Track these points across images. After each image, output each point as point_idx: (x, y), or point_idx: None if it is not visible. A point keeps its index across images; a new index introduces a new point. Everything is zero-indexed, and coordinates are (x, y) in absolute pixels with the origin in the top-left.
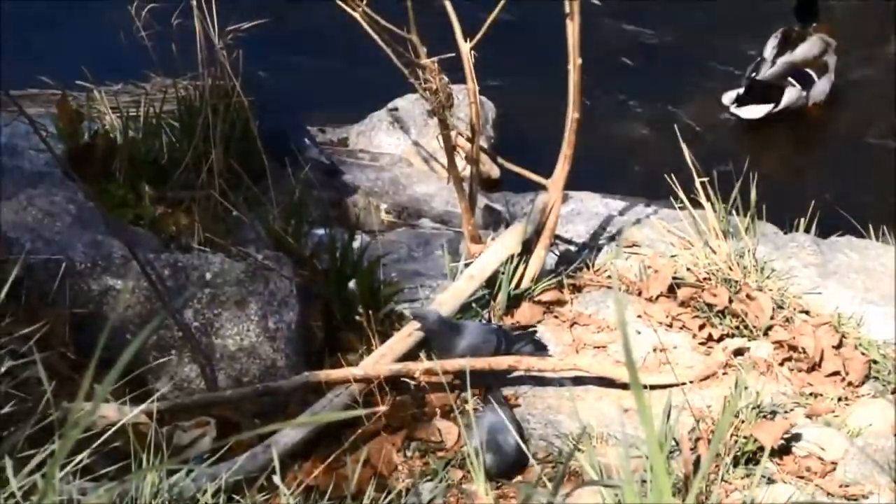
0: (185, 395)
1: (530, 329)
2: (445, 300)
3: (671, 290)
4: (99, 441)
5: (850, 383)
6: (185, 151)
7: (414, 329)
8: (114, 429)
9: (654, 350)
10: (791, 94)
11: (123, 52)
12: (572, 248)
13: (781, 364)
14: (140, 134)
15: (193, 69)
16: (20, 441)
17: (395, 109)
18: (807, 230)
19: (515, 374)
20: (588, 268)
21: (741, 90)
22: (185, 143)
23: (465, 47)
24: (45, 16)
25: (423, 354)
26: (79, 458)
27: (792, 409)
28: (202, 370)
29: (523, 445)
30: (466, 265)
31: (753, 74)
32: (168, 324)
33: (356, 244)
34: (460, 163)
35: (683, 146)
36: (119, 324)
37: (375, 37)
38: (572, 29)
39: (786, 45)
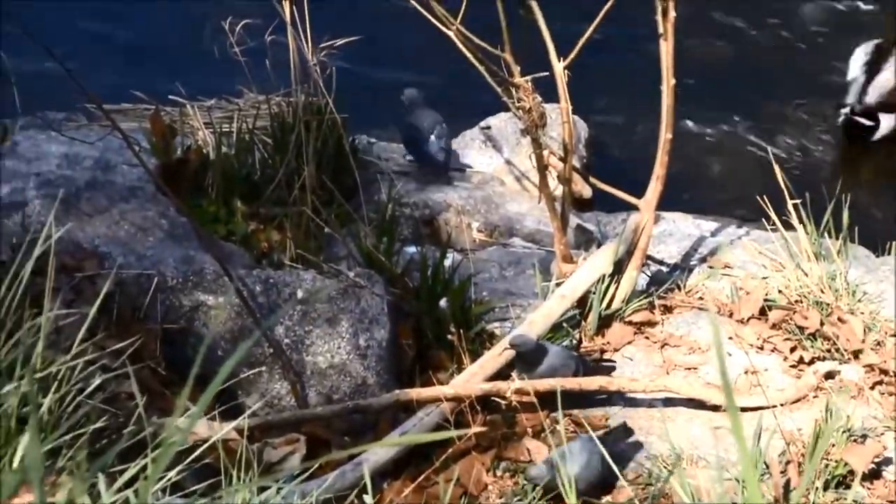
0: (275, 411)
1: (609, 362)
2: (536, 320)
3: (762, 313)
4: (190, 457)
5: None
6: (277, 167)
7: (505, 349)
8: (205, 445)
9: (746, 372)
10: (888, 122)
11: (217, 67)
12: (664, 268)
13: (872, 388)
14: (233, 150)
15: (287, 85)
16: (113, 457)
17: (488, 128)
18: None
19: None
20: (679, 289)
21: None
22: (277, 159)
23: (559, 66)
24: (138, 32)
25: (514, 374)
26: (170, 474)
27: (883, 433)
28: (293, 387)
29: (614, 466)
30: (558, 285)
31: (848, 103)
32: (259, 339)
33: (448, 262)
34: (552, 182)
35: (776, 168)
36: (210, 340)
37: (469, 55)
38: (666, 49)
39: (879, 61)
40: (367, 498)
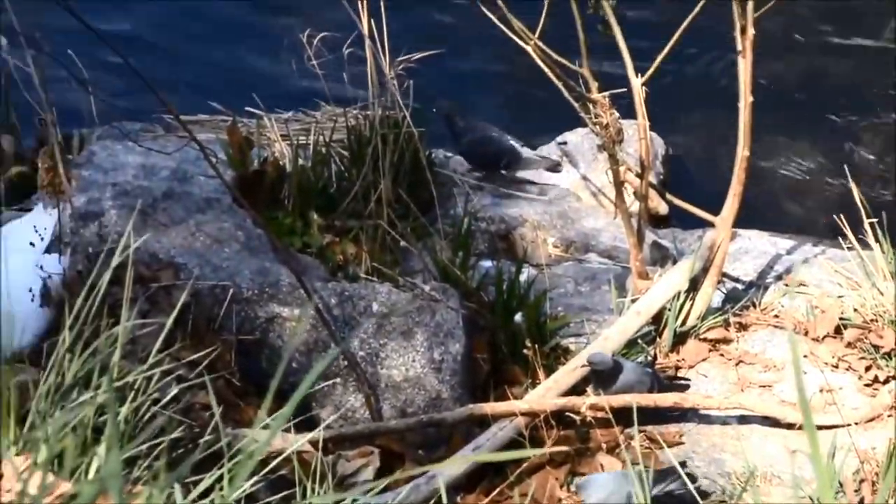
0: (349, 424)
1: (683, 380)
2: (611, 336)
3: (838, 331)
4: (265, 469)
5: None
6: (353, 180)
7: (580, 366)
8: (281, 457)
9: (821, 390)
10: None
11: (295, 80)
12: (739, 286)
13: None
14: (309, 162)
15: (364, 98)
16: (189, 467)
17: (565, 143)
18: None
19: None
20: (754, 306)
21: None
22: (353, 172)
23: (637, 82)
24: (216, 42)
25: (589, 389)
26: (245, 485)
27: None
28: (367, 400)
29: (690, 485)
30: (633, 301)
31: None
32: (335, 353)
33: (523, 277)
34: (629, 198)
35: (853, 186)
36: (285, 352)
37: (547, 70)
38: (744, 66)
39: None
40: None
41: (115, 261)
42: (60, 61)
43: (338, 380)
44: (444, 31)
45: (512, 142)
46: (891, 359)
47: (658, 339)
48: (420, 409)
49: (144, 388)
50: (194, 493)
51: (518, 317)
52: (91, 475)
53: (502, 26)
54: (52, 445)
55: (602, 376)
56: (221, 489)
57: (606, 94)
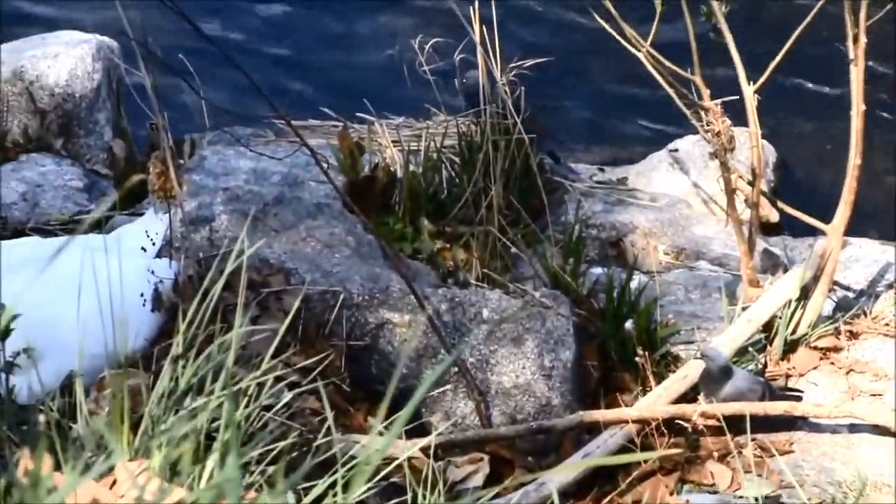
0: (459, 430)
1: (794, 389)
2: (722, 343)
3: None
4: (377, 476)
5: None
6: (464, 186)
7: (691, 370)
8: (394, 464)
9: None
10: None
11: (406, 86)
12: (850, 294)
13: None
14: (420, 168)
15: (475, 104)
16: (302, 473)
17: (676, 150)
18: None
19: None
20: (865, 315)
21: None
22: (464, 178)
23: (749, 90)
24: (327, 48)
25: (701, 397)
26: (357, 492)
27: None
28: (477, 406)
29: (801, 491)
30: (743, 309)
31: None
32: (443, 358)
33: (633, 284)
34: (740, 206)
35: None
36: (395, 358)
37: (659, 77)
38: (856, 74)
39: None
40: None
41: (228, 266)
42: (172, 67)
43: (448, 386)
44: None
45: None
46: None
47: (768, 348)
48: (530, 415)
49: (257, 394)
50: (307, 500)
51: (628, 324)
52: (204, 482)
53: (614, 33)
54: (168, 451)
55: (712, 377)
56: (335, 495)
57: (718, 101)
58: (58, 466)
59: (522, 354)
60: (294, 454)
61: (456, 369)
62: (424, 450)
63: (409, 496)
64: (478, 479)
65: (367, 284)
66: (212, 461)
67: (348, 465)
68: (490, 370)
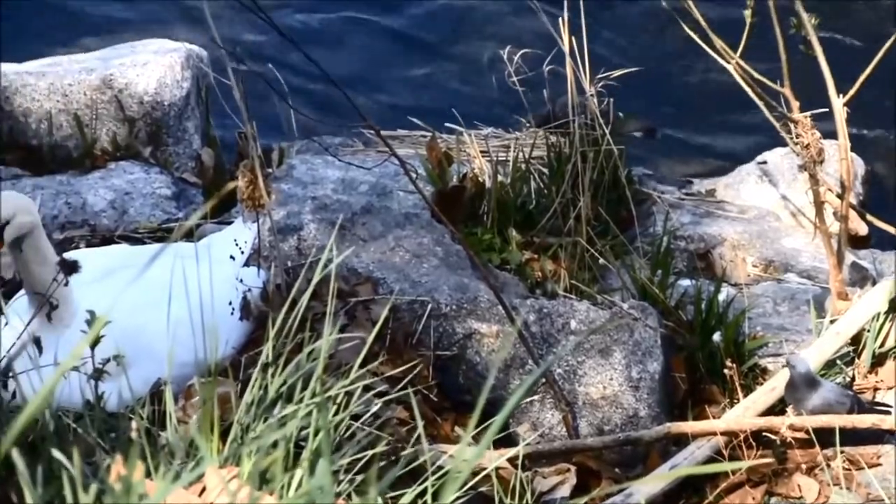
0: (545, 441)
1: (885, 405)
2: (810, 356)
3: None
4: (465, 486)
5: None
6: (553, 197)
7: (779, 383)
8: (482, 475)
9: None
10: None
11: (494, 96)
12: None
13: None
14: (508, 178)
15: (564, 115)
16: (391, 481)
17: (764, 163)
18: None
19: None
20: None
21: None
22: (553, 189)
23: (838, 102)
24: (414, 58)
25: (790, 410)
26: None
27: None
28: (564, 417)
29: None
30: (832, 322)
31: None
32: (531, 368)
33: (722, 296)
34: (829, 218)
35: None
36: (483, 368)
37: (748, 89)
38: None
39: None
40: None
41: (316, 276)
42: (261, 75)
43: (535, 396)
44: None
45: None
46: None
47: (856, 361)
48: (617, 426)
49: (346, 402)
50: None
51: (716, 336)
52: (293, 490)
53: (704, 45)
54: (258, 459)
55: (797, 386)
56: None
57: (808, 114)
58: (147, 474)
59: (610, 366)
60: (382, 463)
61: (543, 380)
62: (511, 460)
63: None
64: (565, 490)
65: (455, 294)
66: (300, 470)
67: (437, 475)
68: (577, 381)
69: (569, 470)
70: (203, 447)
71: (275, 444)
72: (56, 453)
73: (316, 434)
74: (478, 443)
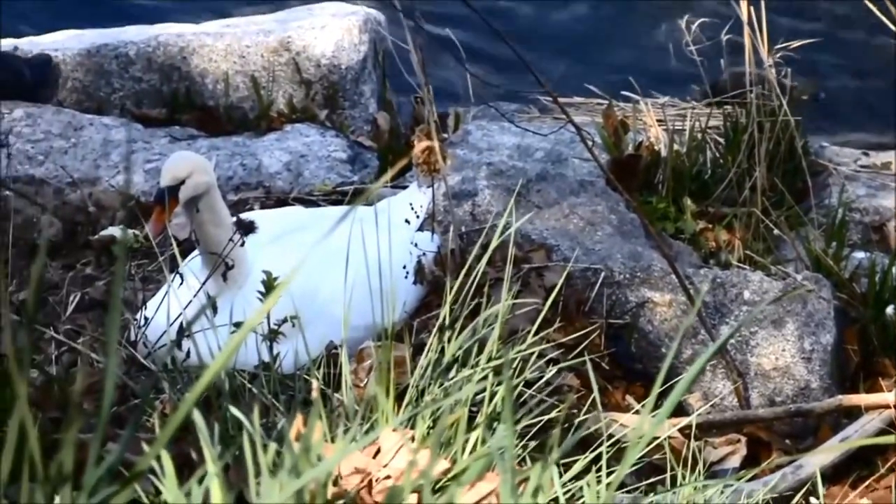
0: (716, 411)
1: None
2: None
3: None
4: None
5: None
6: (728, 167)
7: None
8: (654, 444)
9: None
10: None
11: (671, 65)
12: None
13: None
14: (684, 148)
15: (740, 85)
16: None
17: None
18: None
19: None
20: None
21: None
22: (728, 159)
23: None
24: (594, 25)
25: None
26: (626, 470)
27: None
28: (736, 388)
29: None
30: None
31: None
32: (703, 338)
33: None
34: None
35: None
36: (655, 337)
37: None
38: None
39: None
40: (814, 500)
41: (494, 241)
42: (438, 39)
43: (706, 366)
44: (827, 18)
45: None
46: None
47: None
48: (788, 398)
49: (520, 368)
50: (567, 476)
51: (889, 309)
52: (466, 454)
53: (881, 15)
54: (440, 421)
55: None
56: (598, 472)
57: None
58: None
59: (782, 337)
60: (554, 430)
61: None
62: (681, 430)
63: (668, 475)
64: (735, 461)
65: (628, 263)
66: (474, 434)
67: (608, 443)
68: (749, 352)
69: (739, 440)
70: (380, 408)
71: (450, 408)
72: (236, 412)
73: (491, 399)
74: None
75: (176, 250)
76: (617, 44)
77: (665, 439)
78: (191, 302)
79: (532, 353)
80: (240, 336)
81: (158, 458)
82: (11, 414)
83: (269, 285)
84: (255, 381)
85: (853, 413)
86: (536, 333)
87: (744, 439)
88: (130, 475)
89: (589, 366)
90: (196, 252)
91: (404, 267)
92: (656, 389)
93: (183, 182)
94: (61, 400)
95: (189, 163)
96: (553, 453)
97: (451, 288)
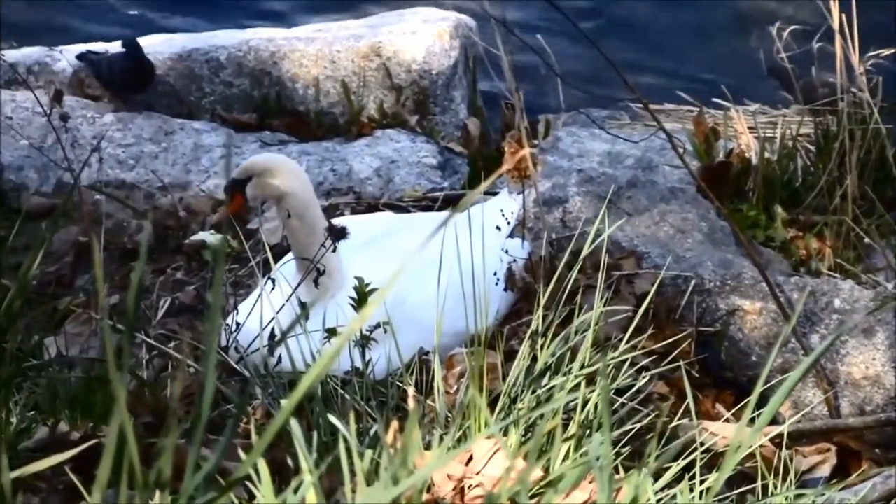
0: (806, 420)
1: None
2: None
3: None
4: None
5: None
6: (819, 175)
7: None
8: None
9: None
10: None
11: (763, 72)
12: None
13: None
14: (775, 155)
15: (831, 93)
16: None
17: None
18: None
19: None
20: None
21: None
22: (819, 166)
23: None
24: (684, 33)
25: None
26: (723, 479)
27: None
28: (826, 397)
29: None
30: None
31: None
32: (793, 346)
33: None
34: None
35: None
36: (745, 345)
37: None
38: None
39: None
40: None
41: (585, 248)
42: (530, 46)
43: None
44: None
45: None
46: None
47: None
48: (879, 407)
49: (613, 376)
50: (660, 483)
51: None
52: (558, 462)
53: None
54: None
55: None
56: (691, 479)
57: None
58: None
59: (873, 346)
60: (648, 438)
61: (804, 357)
62: (772, 438)
63: (758, 484)
64: (825, 470)
65: (718, 270)
66: (567, 443)
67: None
68: (840, 360)
69: (829, 450)
70: (474, 415)
71: (542, 416)
72: (334, 420)
73: (583, 406)
74: (739, 420)
75: (269, 255)
76: (708, 51)
77: (756, 448)
78: (283, 307)
79: (624, 361)
80: (339, 344)
81: (254, 465)
82: (109, 419)
83: (362, 292)
84: (348, 386)
85: None
86: (628, 341)
87: (833, 448)
88: (228, 482)
89: (684, 373)
90: (288, 257)
91: (494, 273)
92: (754, 398)
93: (249, 179)
94: (153, 405)
95: (265, 162)
96: (650, 462)
97: (542, 295)
